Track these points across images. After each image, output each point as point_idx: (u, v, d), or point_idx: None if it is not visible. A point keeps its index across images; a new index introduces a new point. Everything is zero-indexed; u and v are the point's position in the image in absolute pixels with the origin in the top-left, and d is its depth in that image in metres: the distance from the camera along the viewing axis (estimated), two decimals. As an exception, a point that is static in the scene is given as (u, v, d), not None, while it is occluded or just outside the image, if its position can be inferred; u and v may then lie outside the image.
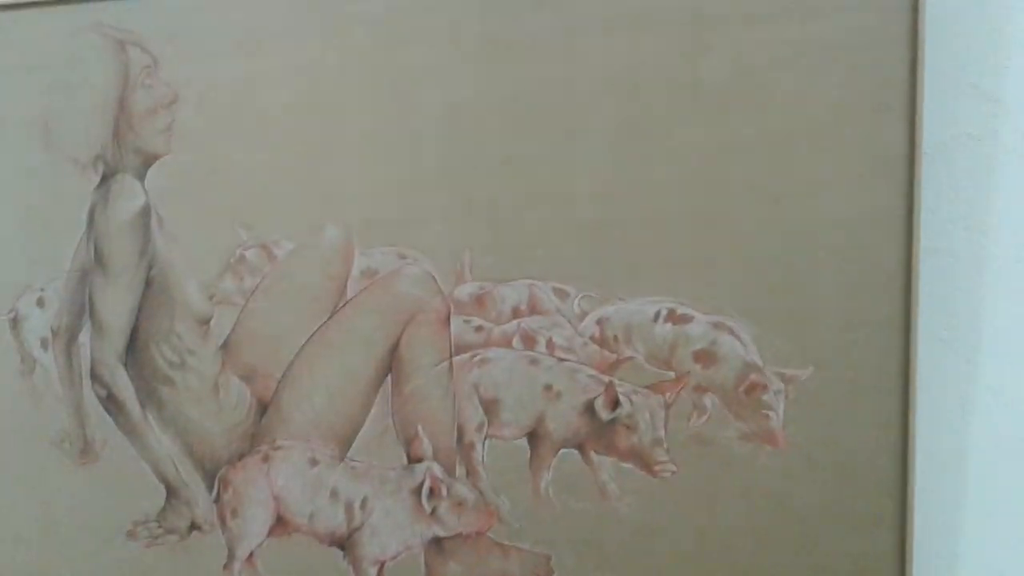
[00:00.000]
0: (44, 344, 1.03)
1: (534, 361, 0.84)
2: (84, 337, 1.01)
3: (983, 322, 0.75)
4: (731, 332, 0.78)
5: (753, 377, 0.78)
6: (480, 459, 0.87)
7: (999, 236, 0.76)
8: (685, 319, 0.79)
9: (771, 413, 0.78)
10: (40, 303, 1.03)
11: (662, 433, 0.80)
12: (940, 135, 0.74)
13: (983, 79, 0.73)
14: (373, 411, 0.90)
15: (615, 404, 0.81)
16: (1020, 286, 0.76)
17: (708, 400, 0.80)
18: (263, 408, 0.94)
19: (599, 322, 0.82)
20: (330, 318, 0.91)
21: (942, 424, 0.77)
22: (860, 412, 0.76)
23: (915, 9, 0.71)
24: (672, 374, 0.80)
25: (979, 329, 0.76)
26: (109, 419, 1.00)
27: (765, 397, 0.78)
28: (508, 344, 0.85)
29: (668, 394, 0.80)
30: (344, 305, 0.90)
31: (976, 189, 0.75)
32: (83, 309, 1.00)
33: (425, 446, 0.88)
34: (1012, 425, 0.78)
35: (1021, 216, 0.75)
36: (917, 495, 0.77)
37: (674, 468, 0.80)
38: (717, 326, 0.79)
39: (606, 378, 0.82)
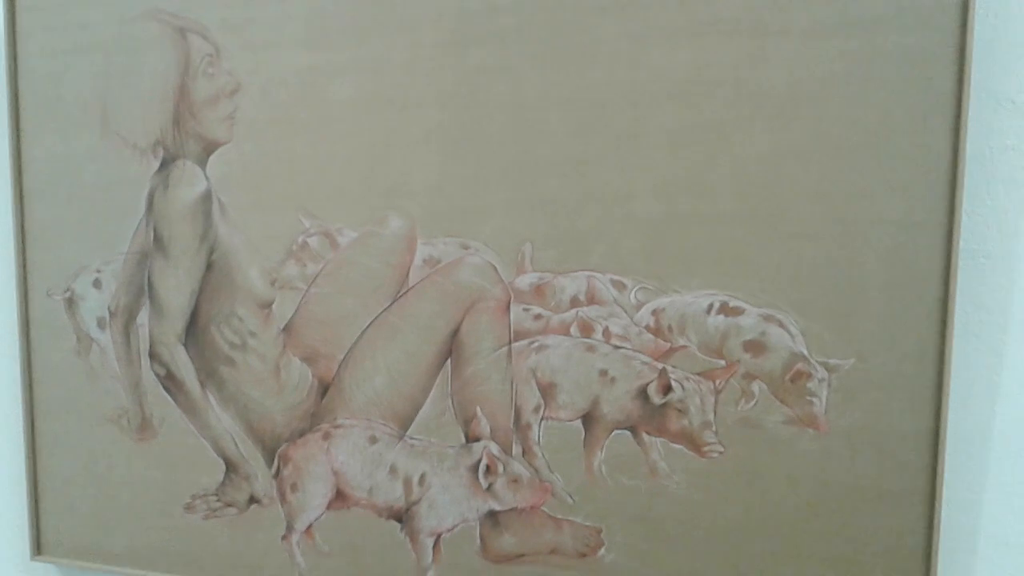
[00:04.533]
0: (101, 324, 1.06)
1: (591, 348, 0.90)
2: (142, 318, 1.04)
3: (1012, 318, 0.82)
4: (780, 324, 0.84)
5: (799, 366, 0.84)
6: (536, 439, 0.92)
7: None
8: (737, 311, 0.85)
9: (815, 399, 0.84)
10: (97, 284, 1.06)
11: (711, 417, 0.86)
12: (981, 145, 0.81)
13: (1022, 95, 0.79)
14: (433, 393, 0.95)
15: (667, 389, 0.87)
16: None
17: (756, 387, 0.86)
18: (324, 388, 0.98)
19: (654, 312, 0.87)
20: (393, 303, 0.95)
21: (971, 411, 0.84)
22: (897, 399, 0.82)
23: (963, 29, 0.77)
24: (723, 362, 0.86)
25: (1008, 325, 0.82)
26: (167, 397, 1.04)
27: (810, 385, 0.84)
28: (566, 332, 0.90)
29: (718, 381, 0.86)
30: (407, 291, 0.94)
31: (1012, 196, 0.81)
32: (141, 290, 1.03)
33: (483, 426, 0.93)
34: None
35: (1047, 221, 0.82)
36: (946, 475, 0.84)
37: (722, 449, 0.86)
38: (767, 318, 0.84)
39: (659, 365, 0.87)
